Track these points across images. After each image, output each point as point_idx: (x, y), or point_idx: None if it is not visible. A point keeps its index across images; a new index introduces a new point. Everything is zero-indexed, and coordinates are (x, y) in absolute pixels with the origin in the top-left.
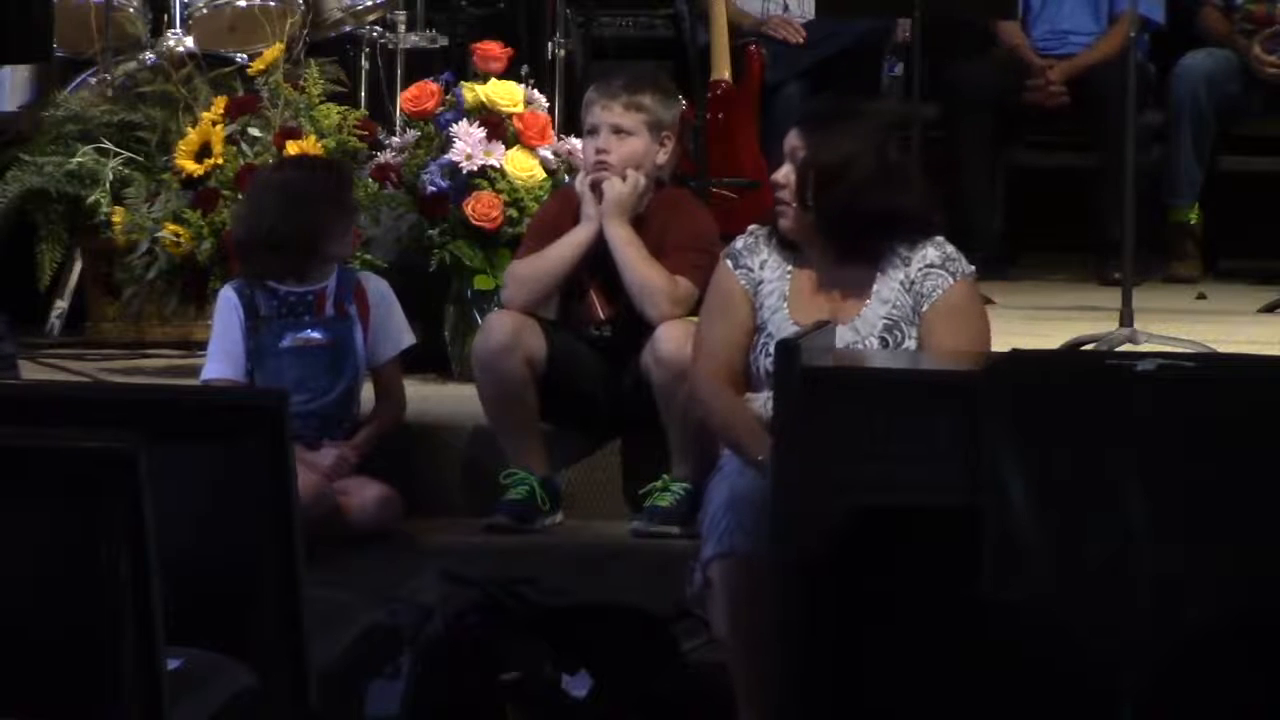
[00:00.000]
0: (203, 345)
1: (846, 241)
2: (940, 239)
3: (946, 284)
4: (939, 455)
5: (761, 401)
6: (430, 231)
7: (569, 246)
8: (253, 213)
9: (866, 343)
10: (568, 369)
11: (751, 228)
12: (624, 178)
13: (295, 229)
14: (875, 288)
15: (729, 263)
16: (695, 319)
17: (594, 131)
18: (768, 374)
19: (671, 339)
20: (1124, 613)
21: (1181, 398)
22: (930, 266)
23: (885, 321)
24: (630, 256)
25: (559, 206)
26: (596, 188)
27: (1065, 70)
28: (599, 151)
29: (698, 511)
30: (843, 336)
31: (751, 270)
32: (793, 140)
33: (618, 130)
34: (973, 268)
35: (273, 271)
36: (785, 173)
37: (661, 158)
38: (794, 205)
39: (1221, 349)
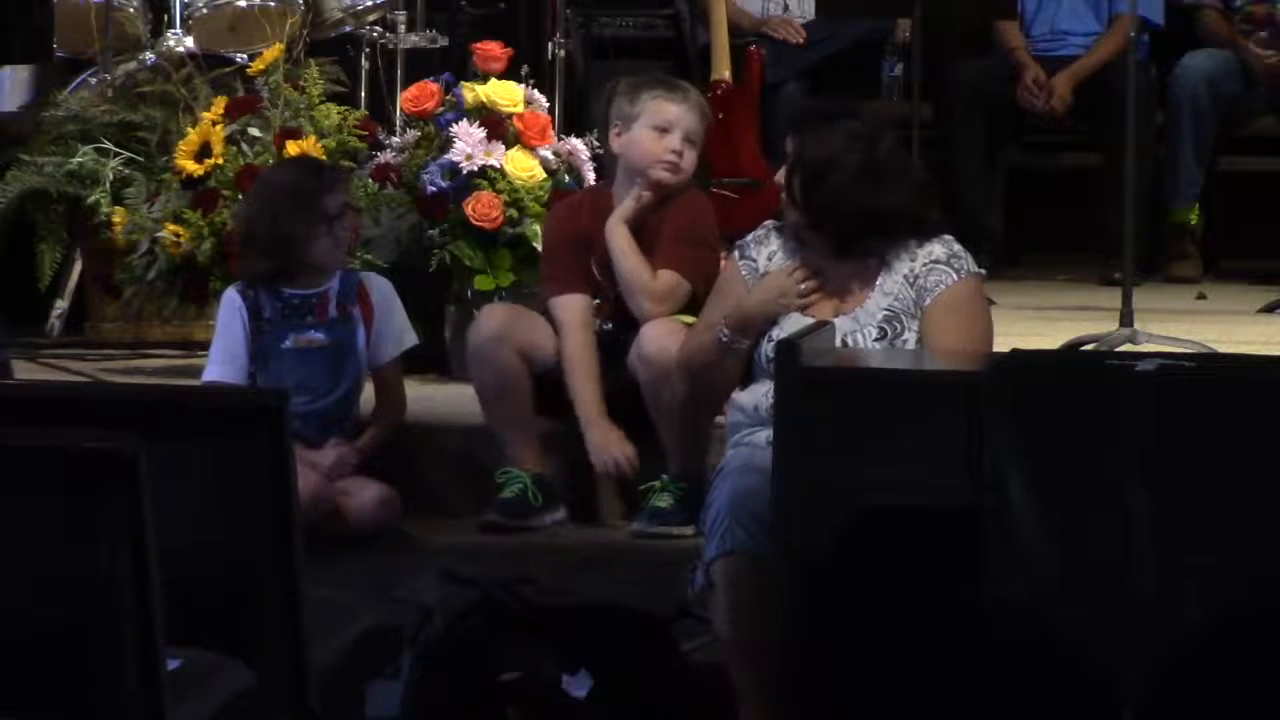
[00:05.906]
0: (203, 345)
1: (838, 238)
2: (948, 237)
3: (950, 280)
4: (939, 455)
5: (763, 394)
6: (430, 231)
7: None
8: (236, 215)
9: (865, 332)
10: None
11: (766, 223)
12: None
13: (267, 232)
14: (879, 281)
15: (736, 254)
16: (687, 317)
17: (666, 129)
18: (769, 360)
19: (654, 338)
20: (1124, 613)
21: (1181, 398)
22: (935, 262)
23: (885, 313)
24: (620, 253)
25: (564, 220)
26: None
27: (1067, 78)
28: (674, 154)
29: (698, 511)
30: (842, 327)
31: (755, 261)
32: (789, 141)
33: (689, 140)
34: (982, 270)
35: (260, 274)
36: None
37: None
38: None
39: (1221, 349)
